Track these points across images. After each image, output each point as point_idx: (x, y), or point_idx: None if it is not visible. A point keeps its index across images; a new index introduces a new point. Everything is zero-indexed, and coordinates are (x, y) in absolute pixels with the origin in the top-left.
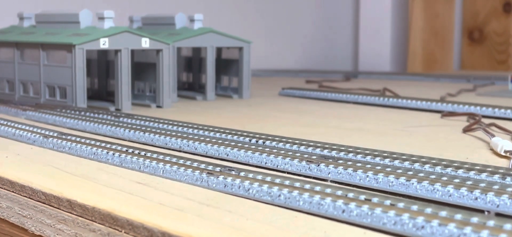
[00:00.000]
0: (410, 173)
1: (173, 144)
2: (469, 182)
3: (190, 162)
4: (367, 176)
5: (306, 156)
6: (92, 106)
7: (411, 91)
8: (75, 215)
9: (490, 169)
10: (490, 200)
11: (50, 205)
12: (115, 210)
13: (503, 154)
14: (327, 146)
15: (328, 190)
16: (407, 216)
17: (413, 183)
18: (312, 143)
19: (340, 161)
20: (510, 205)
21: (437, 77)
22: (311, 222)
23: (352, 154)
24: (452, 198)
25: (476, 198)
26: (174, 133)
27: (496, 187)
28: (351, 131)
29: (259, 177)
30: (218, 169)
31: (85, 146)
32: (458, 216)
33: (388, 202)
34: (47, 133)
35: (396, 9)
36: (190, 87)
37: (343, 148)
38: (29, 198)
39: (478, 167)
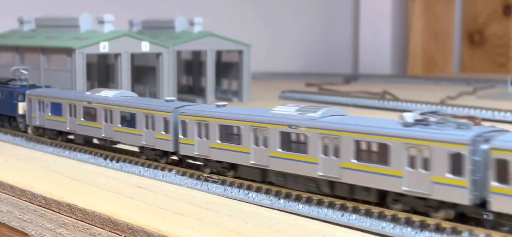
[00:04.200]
0: None
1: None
2: None
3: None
4: None
5: None
6: None
7: (411, 94)
8: (75, 219)
9: None
10: None
11: (51, 210)
12: (115, 214)
13: None
14: None
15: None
16: (405, 219)
17: None
18: None
19: None
20: None
21: (437, 79)
22: (310, 226)
23: None
24: None
25: None
26: None
27: None
28: None
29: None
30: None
31: (85, 150)
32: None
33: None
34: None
35: (396, 11)
36: (190, 90)
37: None
38: (29, 202)
39: None
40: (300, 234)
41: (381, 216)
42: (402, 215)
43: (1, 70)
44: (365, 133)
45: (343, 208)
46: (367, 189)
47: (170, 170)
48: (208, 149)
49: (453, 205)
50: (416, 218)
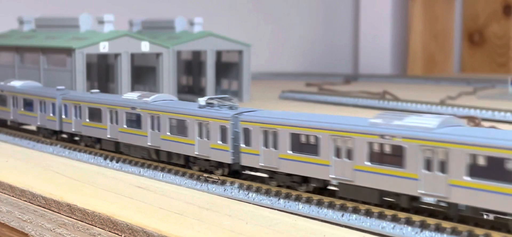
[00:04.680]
0: None
1: None
2: None
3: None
4: None
5: None
6: None
7: (411, 94)
8: (75, 219)
9: None
10: None
11: (50, 210)
12: (115, 214)
13: None
14: None
15: (327, 194)
16: (405, 219)
17: None
18: None
19: None
20: None
21: (437, 79)
22: (310, 226)
23: None
24: None
25: None
26: None
27: None
28: None
29: (258, 181)
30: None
31: (85, 150)
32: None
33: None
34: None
35: (396, 12)
36: (190, 90)
37: None
38: (29, 202)
39: None
40: (300, 234)
41: (381, 216)
42: (402, 215)
43: (1, 70)
44: (174, 113)
45: (343, 208)
46: (178, 155)
47: (169, 170)
48: (81, 126)
49: (227, 165)
50: (416, 218)
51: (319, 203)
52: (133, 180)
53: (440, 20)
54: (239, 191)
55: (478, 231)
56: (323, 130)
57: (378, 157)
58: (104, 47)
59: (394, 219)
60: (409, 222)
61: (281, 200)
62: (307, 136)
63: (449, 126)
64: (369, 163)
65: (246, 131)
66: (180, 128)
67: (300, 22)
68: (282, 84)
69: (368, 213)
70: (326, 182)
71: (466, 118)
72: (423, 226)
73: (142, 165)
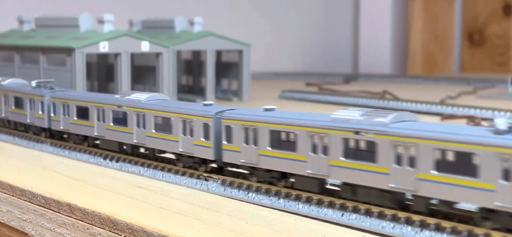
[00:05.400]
0: None
1: None
2: None
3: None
4: None
5: None
6: None
7: (411, 93)
8: (75, 219)
9: None
10: None
11: (50, 209)
12: (114, 214)
13: None
14: None
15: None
16: (405, 219)
17: None
18: None
19: None
20: None
21: (437, 79)
22: (310, 226)
23: None
24: None
25: None
26: None
27: None
28: None
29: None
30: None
31: (85, 149)
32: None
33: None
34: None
35: (396, 11)
36: (190, 90)
37: None
38: (29, 202)
39: None
40: (300, 234)
41: (381, 216)
42: (402, 215)
43: (1, 70)
44: (16, 92)
45: (343, 208)
46: (20, 123)
47: (169, 170)
48: None
49: (47, 129)
50: (416, 217)
51: (319, 203)
52: (133, 180)
53: (440, 20)
54: (239, 191)
55: (478, 230)
56: (92, 103)
57: (117, 120)
58: (104, 47)
59: (394, 219)
60: (409, 222)
61: (281, 200)
62: (85, 108)
63: (154, 99)
64: (112, 124)
65: (54, 104)
66: (19, 103)
67: (300, 21)
68: (282, 83)
69: (368, 213)
70: (94, 137)
71: (466, 118)
72: (423, 225)
73: (142, 165)
